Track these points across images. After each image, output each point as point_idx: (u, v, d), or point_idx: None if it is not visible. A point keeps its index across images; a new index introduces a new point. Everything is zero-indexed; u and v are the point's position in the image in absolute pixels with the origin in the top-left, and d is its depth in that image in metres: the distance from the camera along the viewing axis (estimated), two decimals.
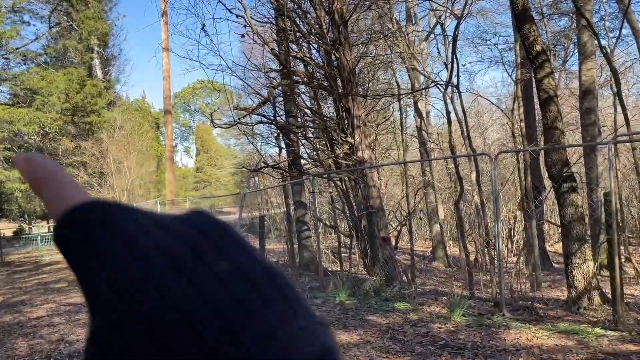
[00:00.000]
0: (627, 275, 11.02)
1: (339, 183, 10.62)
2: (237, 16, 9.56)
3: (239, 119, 9.94)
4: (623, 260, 11.65)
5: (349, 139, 10.03)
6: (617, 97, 7.81)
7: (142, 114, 41.51)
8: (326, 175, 10.70)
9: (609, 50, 12.73)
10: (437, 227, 17.25)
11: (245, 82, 11.03)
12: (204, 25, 10.05)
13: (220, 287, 0.26)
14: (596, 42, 10.21)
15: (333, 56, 10.26)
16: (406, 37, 14.42)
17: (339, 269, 11.27)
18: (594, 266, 7.23)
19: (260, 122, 10.77)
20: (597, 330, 5.30)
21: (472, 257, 14.39)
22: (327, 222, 13.50)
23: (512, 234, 16.70)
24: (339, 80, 10.33)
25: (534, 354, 4.56)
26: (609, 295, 6.19)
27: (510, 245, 15.99)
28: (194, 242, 0.29)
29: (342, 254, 11.96)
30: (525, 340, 5.05)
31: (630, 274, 11.02)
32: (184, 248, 0.28)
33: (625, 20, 13.44)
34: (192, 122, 68.92)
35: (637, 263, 11.06)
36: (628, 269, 11.28)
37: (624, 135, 5.87)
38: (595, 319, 6.03)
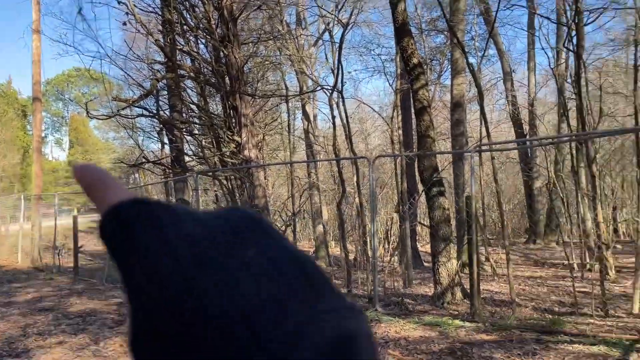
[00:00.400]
0: (486, 273, 12.22)
1: (224, 182, 10.49)
2: (119, 2, 9.03)
3: (118, 110, 9.39)
4: (483, 259, 12.92)
5: (236, 138, 9.96)
6: (481, 111, 8.64)
7: (7, 101, 37.48)
8: (211, 173, 10.50)
9: (476, 68, 14.00)
10: (320, 227, 17.73)
11: (126, 73, 10.46)
12: (80, 8, 9.35)
13: (245, 281, 0.28)
14: (465, 59, 11.18)
15: (221, 53, 10.11)
16: (296, 40, 14.66)
17: None
18: (457, 264, 7.93)
19: (142, 115, 10.28)
20: (457, 322, 5.82)
21: (352, 257, 15.04)
22: None
23: (389, 235, 17.66)
24: (227, 78, 10.22)
25: (401, 345, 4.90)
26: (470, 291, 6.82)
27: (387, 246, 16.91)
28: (225, 236, 0.31)
29: None
30: (394, 332, 5.40)
31: (489, 272, 12.22)
32: (214, 242, 0.30)
33: (491, 41, 14.90)
34: (66, 112, 63.56)
35: (494, 262, 12.28)
36: (487, 267, 12.51)
37: (485, 145, 6.54)
38: (457, 312, 6.61)
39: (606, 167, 15.67)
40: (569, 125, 11.43)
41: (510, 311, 6.30)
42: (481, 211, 14.89)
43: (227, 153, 10.03)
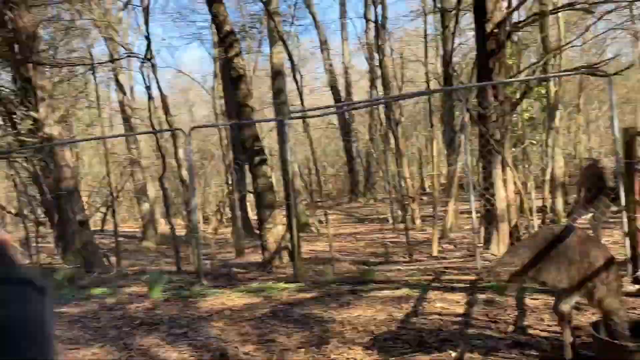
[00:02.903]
0: (313, 234, 12.89)
1: (25, 164, 9.25)
2: None
3: None
4: (310, 221, 13.56)
5: (33, 113, 8.79)
6: (294, 80, 8.86)
7: None
8: (4, 155, 9.15)
9: (293, 37, 14.29)
10: (146, 205, 16.81)
11: None
12: None
13: None
14: (277, 31, 11.30)
15: (6, 16, 8.77)
16: (101, 3, 13.32)
17: (29, 262, 9.87)
18: (283, 229, 8.16)
19: None
20: (282, 285, 6.00)
21: (185, 232, 14.59)
22: (12, 210, 11.63)
23: (222, 207, 17.53)
24: (16, 45, 8.94)
25: (225, 315, 4.88)
26: (291, 253, 7.07)
27: (220, 218, 16.76)
28: None
29: (33, 245, 10.49)
30: (220, 304, 5.36)
31: (316, 232, 12.87)
32: None
33: (307, 10, 15.29)
34: None
35: (319, 223, 12.97)
36: (314, 228, 13.17)
37: (298, 111, 6.74)
38: (284, 275, 6.81)
39: (412, 127, 17.49)
40: (377, 90, 12.38)
41: (330, 268, 6.69)
42: (308, 175, 15.57)
43: (24, 131, 8.83)
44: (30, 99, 8.87)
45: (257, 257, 10.20)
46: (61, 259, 9.07)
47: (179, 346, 4.13)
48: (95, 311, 5.60)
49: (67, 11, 12.28)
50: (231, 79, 7.85)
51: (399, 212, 11.18)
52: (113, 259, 9.71)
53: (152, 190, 17.91)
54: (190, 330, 4.51)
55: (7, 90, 9.36)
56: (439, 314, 4.26)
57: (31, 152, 8.83)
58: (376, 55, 14.51)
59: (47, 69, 9.84)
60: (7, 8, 8.66)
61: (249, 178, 17.13)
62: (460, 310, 4.36)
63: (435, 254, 7.23)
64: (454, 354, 3.36)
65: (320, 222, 13.12)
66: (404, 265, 6.74)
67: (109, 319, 5.21)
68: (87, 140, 16.05)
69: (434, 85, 14.05)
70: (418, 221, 10.72)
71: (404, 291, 5.13)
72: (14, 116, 9.10)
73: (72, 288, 7.01)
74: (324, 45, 18.93)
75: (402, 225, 9.50)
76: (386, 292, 5.15)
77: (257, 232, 13.81)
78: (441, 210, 8.95)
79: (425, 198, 17.10)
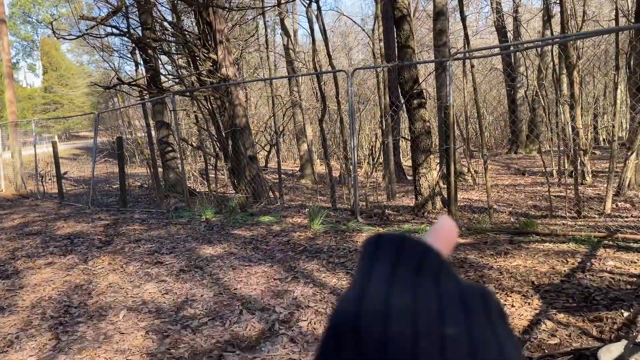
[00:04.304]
0: (468, 183, 12.51)
1: (204, 102, 10.30)
2: None
3: (87, 30, 8.96)
4: (465, 170, 13.16)
5: (212, 55, 9.66)
6: (461, 17, 8.38)
7: None
8: (188, 93, 10.28)
9: None
10: (304, 146, 17.74)
11: None
12: None
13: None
14: None
15: None
16: None
17: (207, 190, 11.20)
18: (437, 174, 8.07)
19: (112, 34, 9.83)
20: None
21: (338, 174, 15.23)
22: (193, 143, 13.15)
23: (374, 151, 17.80)
24: None
25: None
26: (447, 198, 6.99)
27: (371, 161, 17.10)
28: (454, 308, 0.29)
29: (211, 175, 11.85)
30: None
31: (470, 182, 12.48)
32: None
33: None
34: (36, 36, 60.67)
35: (475, 172, 12.52)
36: (469, 177, 12.77)
37: (461, 52, 6.41)
38: (437, 220, 6.80)
39: (589, 74, 15.59)
40: (552, 31, 11.20)
41: (487, 217, 6.51)
42: (464, 122, 14.97)
43: (204, 72, 9.77)
44: (210, 42, 9.74)
45: (407, 201, 10.31)
46: (233, 189, 10.13)
47: (338, 273, 4.44)
48: (264, 235, 6.23)
49: None
50: (394, 19, 7.72)
51: (567, 166, 10.29)
52: (276, 193, 10.57)
53: (310, 131, 18.80)
54: (347, 261, 4.81)
55: (191, 34, 10.32)
56: (610, 272, 3.94)
57: (210, 91, 9.77)
58: None
59: (224, 14, 10.64)
60: None
61: (403, 123, 17.07)
62: (636, 271, 3.98)
63: (608, 211, 6.58)
64: (626, 314, 3.12)
65: (475, 171, 12.67)
66: (571, 221, 6.28)
67: (276, 243, 5.76)
68: (256, 80, 17.20)
69: (623, 23, 12.25)
70: (589, 176, 9.76)
71: (570, 245, 4.82)
72: (197, 58, 10.09)
73: (244, 214, 7.83)
74: None
75: (570, 180, 8.76)
76: (549, 245, 4.89)
77: (410, 177, 13.84)
78: (618, 164, 8.02)
79: (598, 152, 15.42)
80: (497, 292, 3.69)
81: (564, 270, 4.07)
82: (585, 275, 3.93)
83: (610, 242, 4.84)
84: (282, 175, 13.69)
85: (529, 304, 3.45)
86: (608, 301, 3.37)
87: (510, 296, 3.60)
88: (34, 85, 64.46)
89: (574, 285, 3.72)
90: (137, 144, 17.27)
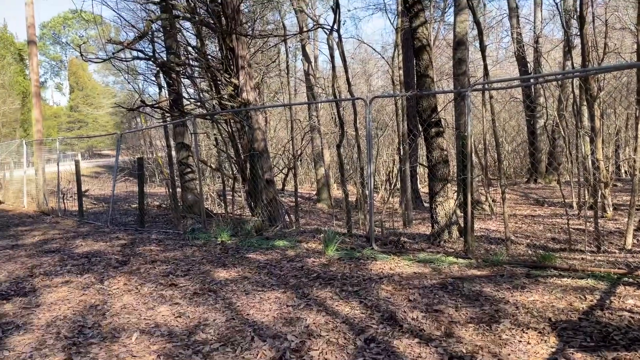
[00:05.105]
0: (485, 212, 12.39)
1: (224, 125, 10.45)
2: None
3: (113, 53, 9.23)
4: (483, 199, 13.04)
5: (234, 80, 9.83)
6: (480, 48, 8.44)
7: (4, 45, 36.82)
8: (209, 116, 10.45)
9: (479, 3, 13.53)
10: (322, 170, 17.82)
11: (118, 14, 10.22)
12: None
13: None
14: None
15: None
16: None
17: (224, 212, 11.29)
18: (454, 203, 8.01)
19: (137, 57, 10.11)
20: (451, 259, 5.97)
21: (354, 199, 15.22)
22: (212, 165, 13.31)
23: (391, 177, 17.78)
24: (223, 18, 9.96)
25: (394, 280, 5.05)
26: (464, 228, 6.92)
27: (389, 188, 17.08)
28: None
29: (228, 197, 11.95)
30: (388, 269, 5.55)
31: (488, 211, 12.36)
32: None
33: None
34: (65, 57, 62.52)
35: (493, 201, 12.40)
36: (486, 206, 12.65)
37: (480, 83, 6.44)
38: (453, 250, 6.74)
39: (611, 105, 15.45)
40: (572, 62, 11.17)
41: (504, 249, 6.43)
42: (483, 152, 14.90)
43: (225, 96, 9.93)
44: (232, 67, 9.93)
45: (424, 229, 10.24)
46: (250, 212, 10.19)
47: (351, 302, 4.41)
48: (278, 260, 6.23)
49: None
50: (414, 49, 7.80)
51: (587, 198, 10.15)
52: (292, 217, 10.59)
53: (328, 156, 18.89)
54: (361, 290, 4.78)
55: (214, 59, 10.54)
56: (630, 311, 3.85)
57: (230, 115, 9.91)
58: (574, 23, 13.05)
59: (247, 40, 10.86)
60: None
61: (421, 150, 17.07)
62: None
63: (629, 247, 6.45)
64: None
65: (493, 200, 12.55)
66: (590, 255, 6.16)
67: (290, 269, 5.76)
68: (276, 106, 17.42)
69: None
70: (610, 209, 9.61)
71: (588, 281, 4.72)
72: (219, 82, 10.28)
73: (259, 238, 7.86)
74: (513, 12, 17.58)
75: (590, 212, 8.63)
76: (567, 280, 4.80)
77: (427, 203, 13.75)
78: None
79: (620, 184, 15.18)
80: (513, 328, 3.63)
81: (582, 308, 3.99)
82: (604, 314, 3.84)
83: (631, 280, 4.73)
84: (298, 199, 13.72)
85: (545, 341, 3.38)
86: (627, 341, 3.29)
87: (526, 333, 3.54)
88: (60, 104, 66.12)
89: (592, 324, 3.64)
90: (158, 163, 17.52)
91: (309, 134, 17.88)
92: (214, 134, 11.68)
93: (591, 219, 7.36)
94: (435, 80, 9.15)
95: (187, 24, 11.91)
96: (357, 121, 9.08)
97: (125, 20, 10.32)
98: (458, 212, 8.26)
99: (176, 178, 12.06)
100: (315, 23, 12.76)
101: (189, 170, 11.72)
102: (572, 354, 3.17)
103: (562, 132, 9.89)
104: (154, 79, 14.06)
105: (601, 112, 10.50)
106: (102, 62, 9.21)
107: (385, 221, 10.73)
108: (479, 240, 7.80)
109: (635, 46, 14.11)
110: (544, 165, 18.04)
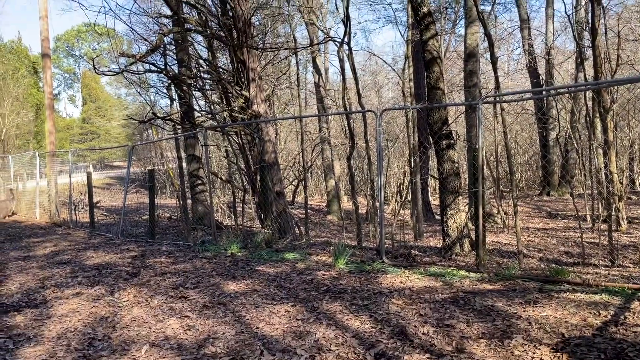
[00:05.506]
0: (497, 225, 12.27)
1: (235, 137, 10.51)
2: None
3: (125, 66, 9.35)
4: (495, 211, 12.92)
5: (244, 92, 9.90)
6: (491, 60, 8.42)
7: (18, 58, 37.49)
8: (220, 128, 10.51)
9: (490, 15, 13.54)
10: (332, 182, 17.81)
11: (131, 28, 10.40)
12: None
13: None
14: (476, 7, 10.78)
15: (228, 5, 9.92)
16: None
17: (234, 224, 11.31)
18: (466, 216, 7.95)
19: (149, 70, 10.23)
20: (462, 272, 5.90)
21: (365, 210, 15.17)
22: (222, 177, 13.36)
23: (402, 189, 17.71)
24: (234, 31, 10.05)
25: (405, 294, 5.00)
26: (475, 242, 6.86)
27: (399, 199, 17.01)
28: None
29: (238, 209, 11.97)
30: (399, 283, 5.51)
31: (500, 224, 12.24)
32: None
33: None
34: (78, 69, 63.48)
35: (505, 214, 12.29)
36: (499, 219, 12.53)
37: (491, 96, 6.41)
38: (464, 264, 6.68)
39: (624, 117, 15.30)
40: (585, 74, 11.11)
41: (517, 262, 6.35)
42: (494, 164, 14.80)
43: (236, 108, 9.99)
44: (243, 79, 10.01)
45: (435, 242, 10.17)
46: (260, 224, 10.20)
47: (361, 316, 4.37)
48: (288, 273, 6.21)
49: None
50: (424, 61, 7.80)
51: (601, 211, 10.02)
52: (302, 228, 10.58)
53: (338, 167, 18.88)
54: (371, 303, 4.74)
55: (225, 71, 10.63)
56: None
57: (241, 127, 9.97)
58: (586, 34, 13.00)
59: (258, 53, 10.95)
60: None
61: (432, 161, 16.99)
62: None
63: None
64: None
65: (505, 213, 12.43)
66: (604, 270, 6.07)
67: (300, 282, 5.73)
68: (287, 118, 17.49)
69: None
70: (624, 223, 9.47)
71: (602, 297, 4.64)
72: (230, 94, 10.36)
73: (269, 250, 7.85)
74: (524, 23, 17.56)
75: (604, 226, 8.51)
76: (580, 295, 4.72)
77: (438, 216, 13.66)
78: None
79: (634, 197, 14.99)
80: (525, 344, 3.57)
81: (596, 323, 3.92)
82: (619, 330, 3.77)
83: None
84: (308, 211, 13.71)
85: (558, 357, 3.32)
86: None
87: (539, 349, 3.47)
88: (73, 116, 66.95)
89: (606, 340, 3.56)
90: (168, 175, 17.64)
91: (319, 146, 17.90)
92: (225, 146, 11.74)
93: (605, 233, 7.26)
94: (446, 92, 9.14)
95: (199, 37, 12.07)
96: (368, 133, 9.08)
97: (137, 33, 10.48)
98: (469, 225, 8.20)
99: (187, 190, 12.11)
100: (326, 35, 12.84)
101: (200, 182, 11.77)
102: None
103: (575, 145, 9.82)
104: (165, 91, 14.20)
105: (614, 124, 10.40)
106: (114, 74, 9.33)
107: (396, 234, 10.67)
108: (490, 254, 7.73)
109: None
110: (557, 177, 17.87)
